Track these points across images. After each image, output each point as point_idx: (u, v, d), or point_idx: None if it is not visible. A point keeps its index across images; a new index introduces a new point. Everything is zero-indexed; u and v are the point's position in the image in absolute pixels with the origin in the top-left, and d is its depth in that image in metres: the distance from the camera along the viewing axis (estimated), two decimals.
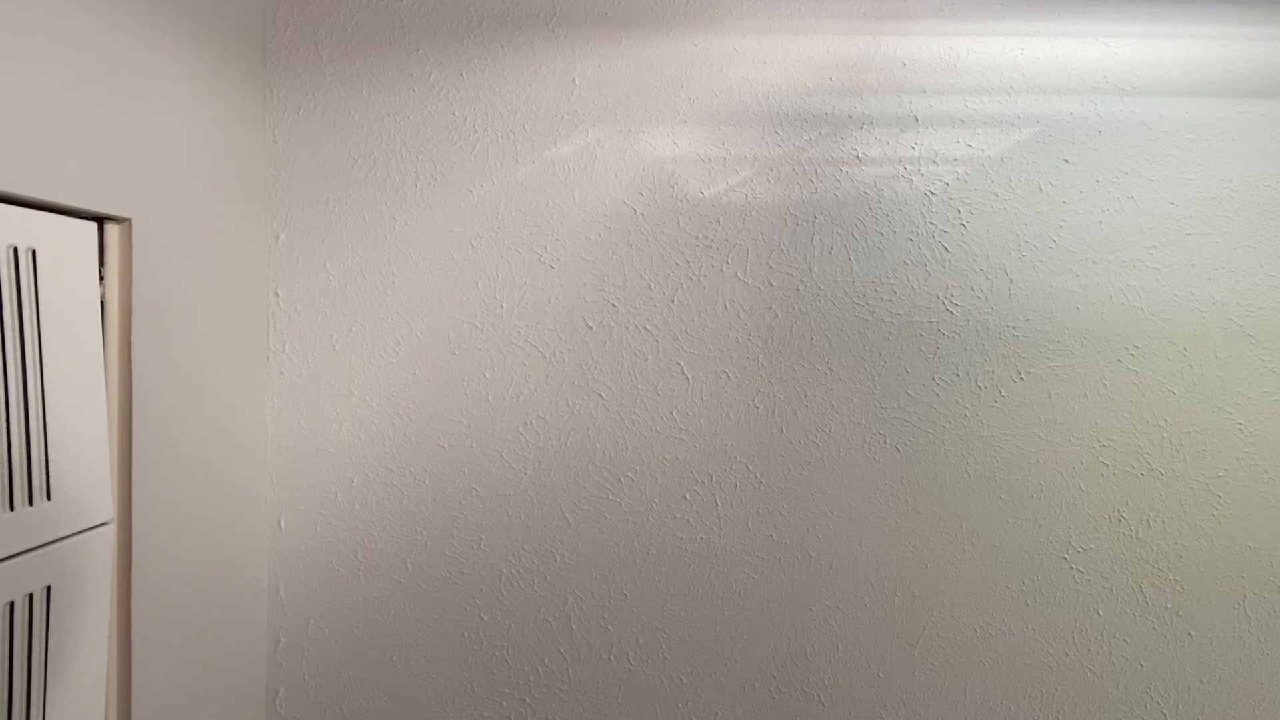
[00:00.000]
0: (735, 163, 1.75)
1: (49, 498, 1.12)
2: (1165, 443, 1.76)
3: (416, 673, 1.76)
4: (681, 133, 1.75)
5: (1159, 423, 1.76)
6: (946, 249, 1.76)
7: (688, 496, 1.76)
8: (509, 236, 1.75)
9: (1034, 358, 1.76)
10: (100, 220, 1.27)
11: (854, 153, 1.76)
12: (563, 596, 1.77)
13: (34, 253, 1.10)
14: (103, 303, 1.27)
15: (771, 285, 1.75)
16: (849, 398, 1.76)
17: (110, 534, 1.25)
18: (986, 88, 1.76)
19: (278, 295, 1.74)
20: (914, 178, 1.75)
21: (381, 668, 1.76)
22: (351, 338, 1.75)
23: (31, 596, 1.08)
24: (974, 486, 1.76)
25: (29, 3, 1.10)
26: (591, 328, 1.75)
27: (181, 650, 1.45)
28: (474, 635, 1.76)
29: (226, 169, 1.59)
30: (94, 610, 1.20)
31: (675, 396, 1.75)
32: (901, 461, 1.76)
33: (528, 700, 1.77)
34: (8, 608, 1.05)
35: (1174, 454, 1.76)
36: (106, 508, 1.24)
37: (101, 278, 1.27)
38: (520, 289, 1.75)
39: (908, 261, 1.76)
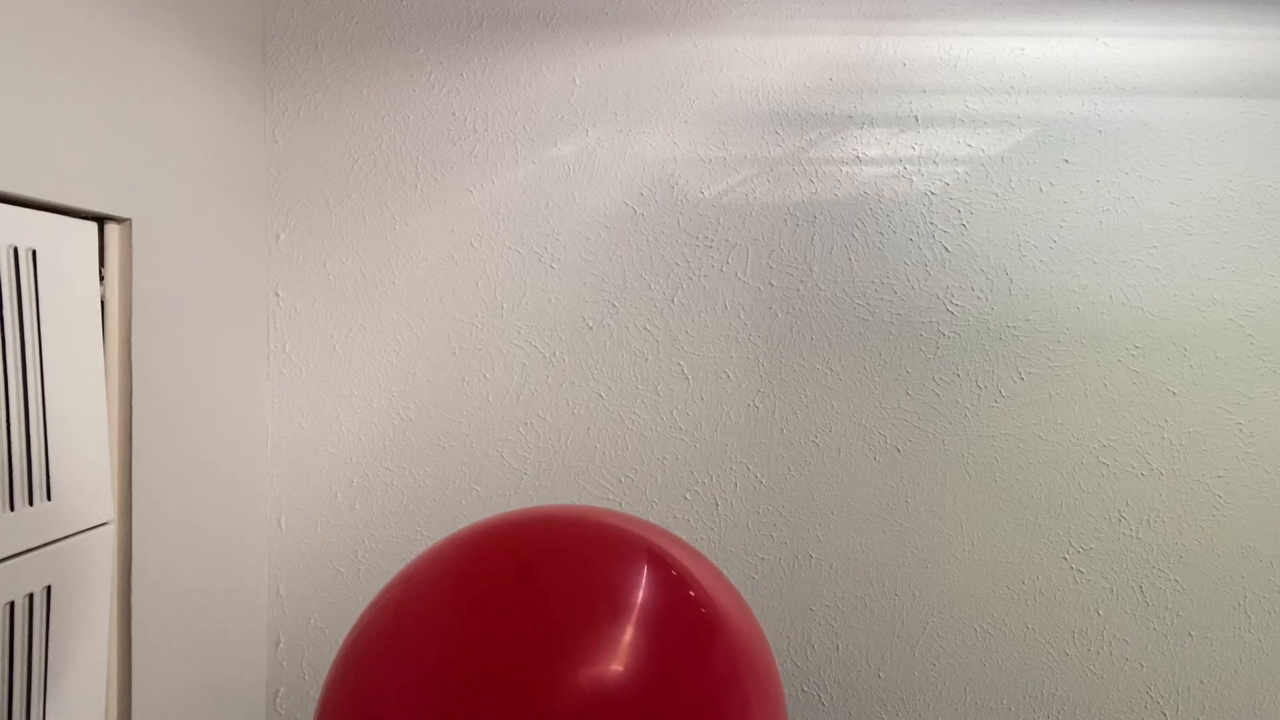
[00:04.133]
0: (735, 163, 1.75)
1: (49, 498, 1.12)
2: (1165, 443, 1.76)
3: None
4: (681, 133, 1.75)
5: (1159, 423, 1.76)
6: (946, 249, 1.75)
7: (688, 496, 1.76)
8: (509, 236, 1.75)
9: (1034, 358, 1.76)
10: (100, 220, 1.27)
11: (854, 153, 1.75)
12: None
13: (34, 253, 1.10)
14: (103, 303, 1.27)
15: (771, 285, 1.75)
16: (849, 398, 1.76)
17: (110, 534, 1.25)
18: (986, 88, 1.76)
19: (278, 295, 1.74)
20: (914, 178, 1.75)
21: None
22: (351, 338, 1.75)
23: (31, 596, 1.08)
24: (974, 486, 1.76)
25: (29, 3, 1.10)
26: (591, 328, 1.75)
27: (181, 650, 1.44)
28: None
29: (226, 169, 1.59)
30: (94, 610, 1.20)
31: (675, 396, 1.75)
32: (901, 461, 1.76)
33: None
34: (8, 608, 1.05)
35: (1174, 454, 1.76)
36: (106, 508, 1.24)
37: (101, 278, 1.27)
38: (520, 289, 1.75)
39: (908, 261, 1.76)
